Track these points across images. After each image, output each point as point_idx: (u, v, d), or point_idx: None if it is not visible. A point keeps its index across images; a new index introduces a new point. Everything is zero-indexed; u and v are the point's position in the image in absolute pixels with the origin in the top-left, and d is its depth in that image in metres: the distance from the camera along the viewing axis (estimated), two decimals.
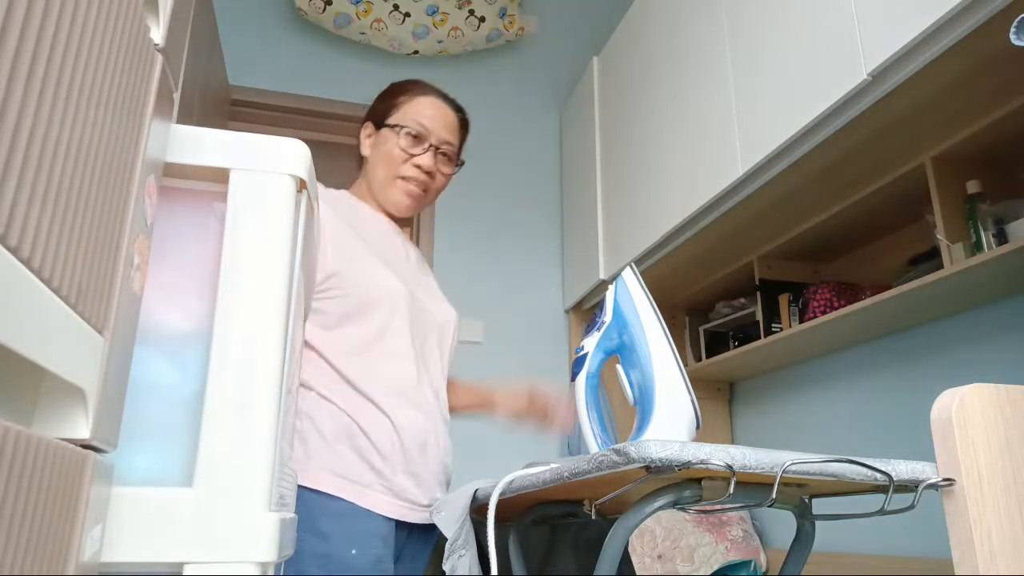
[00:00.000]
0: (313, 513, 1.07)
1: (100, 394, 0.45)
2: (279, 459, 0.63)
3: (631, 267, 1.06)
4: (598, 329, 1.04)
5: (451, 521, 1.07)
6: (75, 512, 0.43)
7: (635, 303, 1.01)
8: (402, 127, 1.33)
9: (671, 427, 0.95)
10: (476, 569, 1.05)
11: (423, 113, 1.36)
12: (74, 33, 0.39)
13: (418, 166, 1.34)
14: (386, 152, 1.34)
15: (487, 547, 0.90)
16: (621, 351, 1.02)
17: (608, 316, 1.04)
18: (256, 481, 0.57)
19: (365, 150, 1.39)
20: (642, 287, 1.03)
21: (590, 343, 1.04)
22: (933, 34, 1.26)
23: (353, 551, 1.08)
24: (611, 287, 1.06)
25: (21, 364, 0.35)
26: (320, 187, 1.28)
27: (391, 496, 1.16)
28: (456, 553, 1.05)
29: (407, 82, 1.42)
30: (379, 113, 1.38)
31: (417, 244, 2.89)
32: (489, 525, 0.88)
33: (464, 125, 1.44)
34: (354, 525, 1.11)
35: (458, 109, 1.42)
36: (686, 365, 2.77)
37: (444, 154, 1.37)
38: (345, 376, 1.19)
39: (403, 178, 1.34)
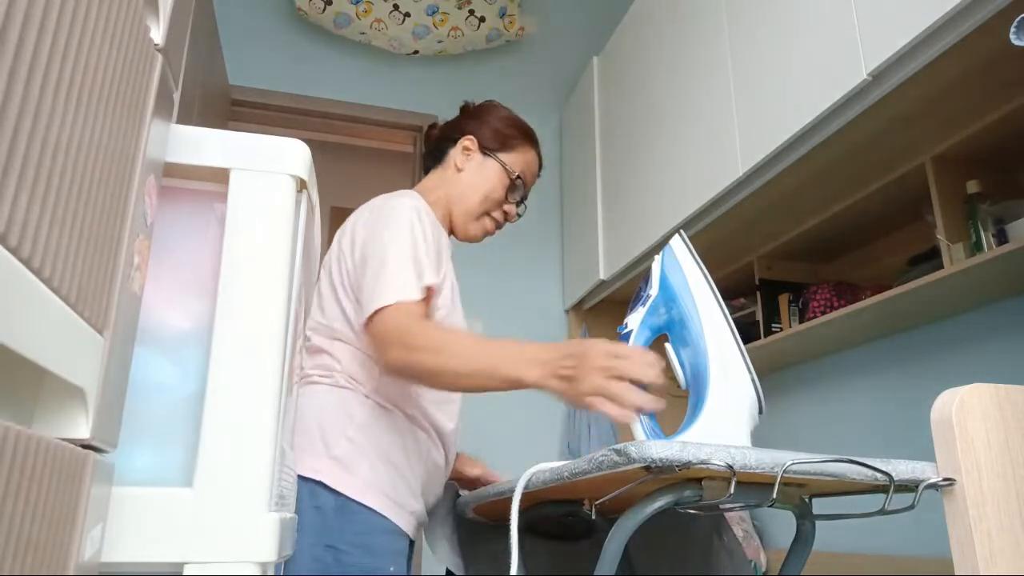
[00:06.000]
0: (367, 529, 1.08)
1: (100, 394, 0.45)
2: (279, 458, 0.62)
3: (680, 234, 0.95)
4: (643, 304, 0.93)
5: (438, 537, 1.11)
6: (75, 512, 0.43)
7: (685, 273, 0.90)
8: (515, 174, 1.35)
9: (728, 412, 0.85)
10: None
11: (530, 167, 1.39)
12: (74, 33, 0.39)
13: (507, 213, 1.37)
14: (487, 187, 1.33)
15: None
16: (670, 328, 0.91)
17: (654, 289, 0.93)
18: (256, 481, 0.57)
19: (460, 163, 1.34)
20: (693, 255, 0.92)
21: (634, 320, 0.92)
22: (933, 34, 1.26)
23: (392, 568, 1.10)
24: (657, 257, 0.95)
25: (21, 364, 0.35)
26: (414, 197, 1.25)
27: (413, 518, 1.18)
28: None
29: (526, 126, 1.43)
30: (492, 139, 1.36)
31: None
32: (513, 536, 0.85)
33: None
34: (394, 543, 1.12)
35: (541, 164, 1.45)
36: None
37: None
38: (432, 419, 1.22)
39: (491, 217, 1.35)
